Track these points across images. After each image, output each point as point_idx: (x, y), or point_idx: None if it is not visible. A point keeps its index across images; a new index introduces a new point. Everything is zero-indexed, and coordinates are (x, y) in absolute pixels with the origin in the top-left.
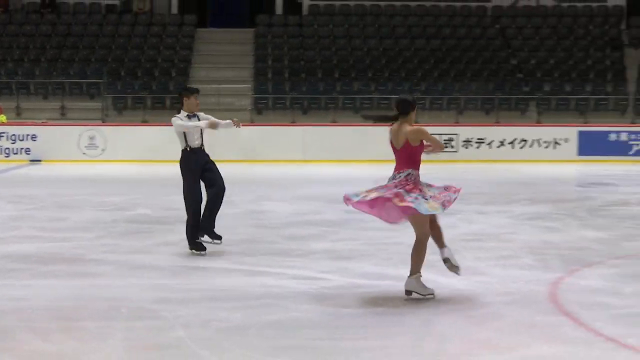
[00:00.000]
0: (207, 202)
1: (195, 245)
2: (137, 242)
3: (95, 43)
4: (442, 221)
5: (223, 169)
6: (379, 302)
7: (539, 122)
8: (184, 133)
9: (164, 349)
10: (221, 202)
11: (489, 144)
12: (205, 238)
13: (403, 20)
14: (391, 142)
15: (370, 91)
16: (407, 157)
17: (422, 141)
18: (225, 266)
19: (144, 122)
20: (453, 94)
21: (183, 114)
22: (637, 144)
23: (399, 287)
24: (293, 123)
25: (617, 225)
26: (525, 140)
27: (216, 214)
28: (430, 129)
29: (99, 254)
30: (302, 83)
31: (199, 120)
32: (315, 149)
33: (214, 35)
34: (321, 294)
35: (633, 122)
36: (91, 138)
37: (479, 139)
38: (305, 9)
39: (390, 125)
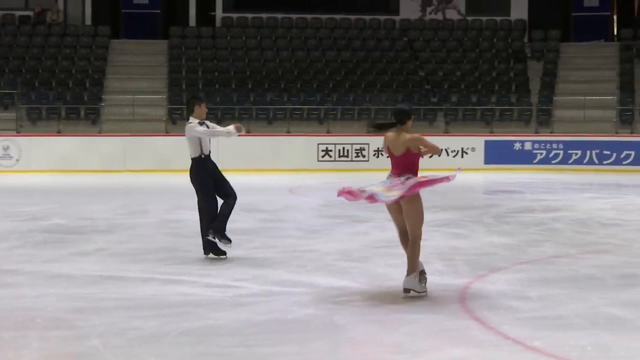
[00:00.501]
0: (221, 208)
1: (217, 250)
2: (52, 252)
3: (9, 54)
4: (355, 228)
5: (138, 178)
6: (293, 309)
7: (446, 132)
8: (200, 140)
9: (79, 358)
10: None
11: None
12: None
13: (314, 32)
14: (388, 150)
15: (283, 102)
16: (407, 163)
17: (419, 147)
18: (141, 275)
19: (59, 133)
20: (364, 104)
21: (195, 120)
22: (541, 153)
23: (314, 293)
24: None
25: (522, 231)
26: None
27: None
28: (343, 139)
29: (14, 264)
30: (216, 94)
31: (207, 127)
32: (229, 158)
33: (128, 46)
34: (236, 302)
35: (536, 132)
36: (5, 148)
37: (361, 147)
38: (218, 21)
39: (384, 134)
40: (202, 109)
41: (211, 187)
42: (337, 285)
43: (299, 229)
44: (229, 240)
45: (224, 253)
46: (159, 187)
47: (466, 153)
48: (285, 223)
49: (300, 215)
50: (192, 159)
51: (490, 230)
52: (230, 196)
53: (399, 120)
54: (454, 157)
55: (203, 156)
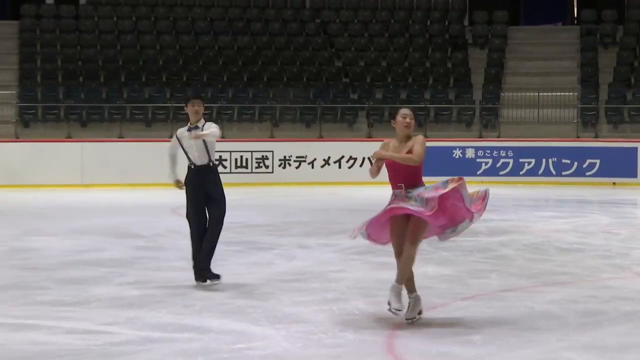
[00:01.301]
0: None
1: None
2: None
3: None
4: (255, 257)
5: None
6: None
7: (370, 137)
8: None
9: None
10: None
11: (310, 163)
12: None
13: (204, 12)
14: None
15: (164, 99)
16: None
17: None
18: None
19: None
20: (266, 102)
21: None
22: (486, 162)
23: (204, 340)
24: (69, 138)
25: (463, 259)
26: (354, 158)
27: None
28: (239, 145)
29: None
30: (79, 89)
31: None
32: (96, 170)
33: None
34: (106, 352)
35: (480, 136)
36: None
37: (298, 156)
38: None
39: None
40: (190, 110)
41: (194, 200)
42: (233, 329)
43: (184, 258)
44: (216, 277)
45: (218, 277)
46: (8, 206)
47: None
48: (167, 251)
49: (186, 242)
50: (212, 164)
51: (424, 258)
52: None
53: None
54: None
55: (193, 166)
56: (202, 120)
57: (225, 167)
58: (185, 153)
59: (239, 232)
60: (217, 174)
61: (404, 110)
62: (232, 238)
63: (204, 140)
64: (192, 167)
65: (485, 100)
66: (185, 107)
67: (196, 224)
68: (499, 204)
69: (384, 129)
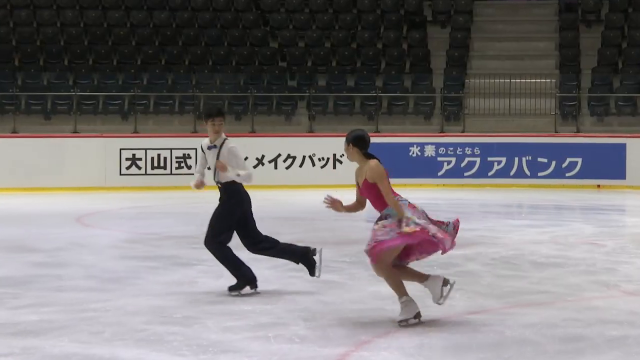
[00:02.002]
0: None
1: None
2: None
3: None
4: (176, 275)
5: None
6: None
7: (311, 131)
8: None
9: None
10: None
11: None
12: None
13: None
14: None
15: (67, 86)
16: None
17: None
18: None
19: None
20: (188, 90)
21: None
22: (448, 161)
23: None
24: None
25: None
26: (292, 157)
27: None
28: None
29: None
30: None
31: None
32: None
33: None
34: None
35: (442, 131)
36: None
37: (185, 154)
38: None
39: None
40: (210, 128)
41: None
42: None
43: (90, 276)
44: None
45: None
46: None
47: (339, 162)
48: (70, 268)
49: (93, 257)
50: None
51: (375, 276)
52: None
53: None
54: (321, 167)
55: (219, 185)
56: (222, 136)
57: (139, 168)
58: (210, 169)
59: (155, 244)
60: (242, 193)
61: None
62: (147, 252)
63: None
64: (218, 185)
65: (448, 88)
66: (204, 123)
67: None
68: (464, 211)
69: (327, 122)
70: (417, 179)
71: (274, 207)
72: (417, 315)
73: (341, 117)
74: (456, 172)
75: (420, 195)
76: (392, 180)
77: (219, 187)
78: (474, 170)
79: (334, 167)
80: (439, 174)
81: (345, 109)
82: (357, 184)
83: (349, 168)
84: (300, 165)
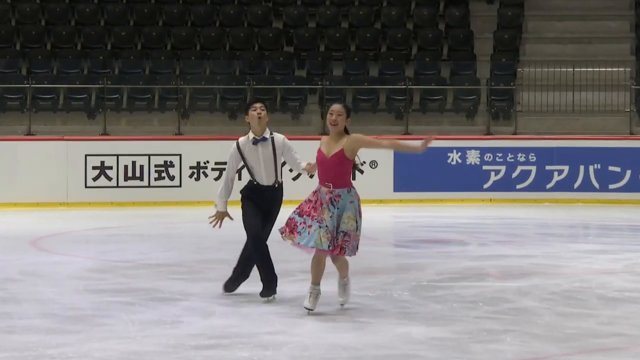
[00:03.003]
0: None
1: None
2: None
3: None
4: (156, 312)
5: None
6: None
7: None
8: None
9: None
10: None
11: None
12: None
13: None
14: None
15: (19, 77)
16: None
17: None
18: None
19: None
20: (170, 81)
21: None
22: (496, 170)
23: None
24: None
25: (465, 314)
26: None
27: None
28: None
29: None
30: None
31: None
32: None
33: None
34: None
35: (488, 133)
36: None
37: (219, 163)
38: None
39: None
40: (252, 116)
41: (251, 208)
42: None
43: (48, 314)
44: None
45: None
46: None
47: (360, 172)
48: (23, 304)
49: (51, 290)
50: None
51: (407, 313)
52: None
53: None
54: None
55: (254, 182)
56: (267, 130)
57: (109, 179)
58: (249, 170)
59: (130, 275)
60: (282, 193)
61: (333, 107)
62: (120, 284)
63: (275, 157)
64: (254, 183)
65: (496, 79)
66: (246, 117)
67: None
68: (517, 233)
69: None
70: (458, 192)
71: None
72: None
73: (362, 115)
74: (506, 185)
75: (462, 213)
76: (425, 194)
77: (275, 186)
78: (528, 182)
79: (354, 178)
80: (485, 186)
81: (367, 104)
82: (324, 154)
83: (372, 178)
84: (312, 176)
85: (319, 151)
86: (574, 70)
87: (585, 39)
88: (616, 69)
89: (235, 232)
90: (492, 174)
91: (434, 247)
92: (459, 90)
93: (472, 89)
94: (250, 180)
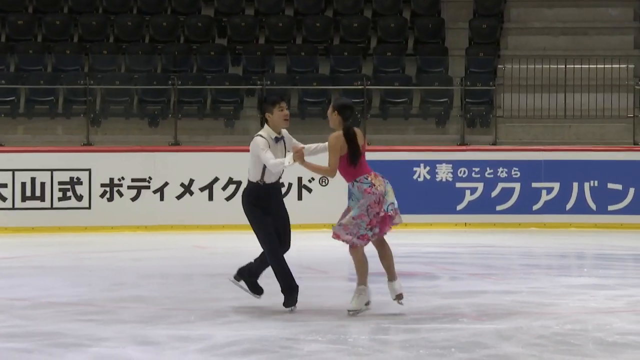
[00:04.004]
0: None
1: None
2: None
3: None
4: None
5: None
6: None
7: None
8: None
9: None
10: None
11: (158, 190)
12: (242, 284)
13: None
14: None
15: None
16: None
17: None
18: None
19: None
20: (78, 80)
21: (265, 134)
22: (473, 189)
23: None
24: None
25: None
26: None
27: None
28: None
29: None
30: None
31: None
32: None
33: None
34: None
35: (463, 143)
36: None
37: (136, 179)
38: None
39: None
40: (278, 116)
41: (263, 217)
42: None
43: None
44: (257, 292)
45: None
46: None
47: (308, 190)
48: None
49: None
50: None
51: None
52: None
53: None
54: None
55: (262, 184)
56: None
57: (3, 200)
58: (263, 169)
59: (29, 316)
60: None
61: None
62: (16, 327)
63: (285, 155)
64: (261, 183)
65: (472, 77)
66: (267, 114)
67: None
68: (497, 264)
69: (290, 128)
70: (425, 215)
71: (205, 258)
72: (367, 303)
73: (310, 121)
74: (484, 205)
75: (430, 240)
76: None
77: (280, 181)
78: (511, 203)
79: (299, 198)
80: (459, 207)
81: (315, 109)
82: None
83: (321, 197)
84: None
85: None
86: (566, 67)
87: (581, 29)
88: (617, 66)
89: (157, 264)
90: (467, 192)
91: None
92: (428, 92)
93: (443, 90)
94: (256, 182)
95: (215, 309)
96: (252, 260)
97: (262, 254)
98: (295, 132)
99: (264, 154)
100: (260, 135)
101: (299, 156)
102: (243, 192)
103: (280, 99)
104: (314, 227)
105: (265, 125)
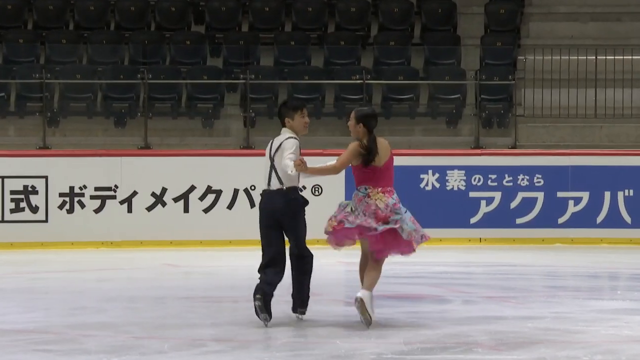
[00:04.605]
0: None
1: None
2: None
3: None
4: None
5: None
6: None
7: (249, 147)
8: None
9: None
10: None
11: (125, 200)
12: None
13: None
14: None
15: None
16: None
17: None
18: None
19: None
20: (32, 74)
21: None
22: (489, 199)
23: None
24: None
25: None
26: (216, 192)
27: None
28: None
29: None
30: None
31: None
32: None
33: None
34: None
35: (478, 146)
36: None
37: (100, 188)
38: None
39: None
40: (299, 122)
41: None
42: None
43: None
44: (266, 316)
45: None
46: None
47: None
48: None
49: None
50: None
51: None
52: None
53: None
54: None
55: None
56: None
57: None
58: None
59: None
60: None
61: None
62: None
63: None
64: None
65: (487, 70)
66: (287, 119)
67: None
68: (516, 286)
69: (276, 129)
70: (435, 229)
71: (185, 281)
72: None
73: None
74: (502, 218)
75: (440, 258)
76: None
77: (302, 188)
78: (533, 215)
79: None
80: (473, 220)
81: (308, 107)
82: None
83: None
84: (230, 206)
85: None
86: (596, 58)
87: (613, 14)
88: (635, 56)
89: (123, 286)
90: (483, 203)
91: (401, 305)
92: (437, 87)
93: (454, 85)
94: (298, 187)
95: (191, 337)
96: (292, 290)
97: (280, 271)
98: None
99: (292, 157)
100: (294, 138)
101: (299, 165)
102: (291, 199)
103: (303, 105)
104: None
105: (286, 129)
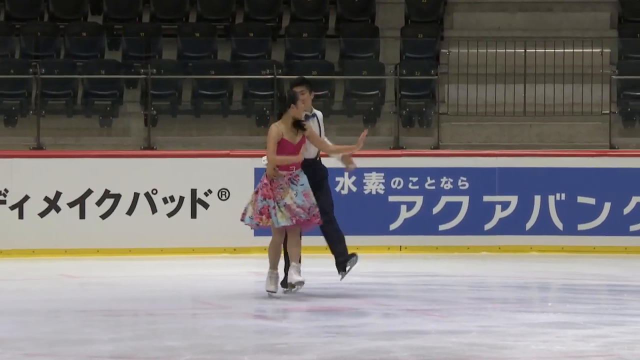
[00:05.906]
0: None
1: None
2: None
3: None
4: None
5: None
6: None
7: (151, 147)
8: None
9: None
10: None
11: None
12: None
13: None
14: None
15: None
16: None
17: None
18: None
19: None
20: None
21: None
22: (410, 204)
23: None
24: None
25: None
26: (115, 196)
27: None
28: None
29: None
30: None
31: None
32: None
33: None
34: None
35: (397, 147)
36: None
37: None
38: None
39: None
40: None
41: None
42: None
43: None
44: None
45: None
46: None
47: (204, 205)
48: None
49: None
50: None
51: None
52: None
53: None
54: (169, 215)
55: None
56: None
57: None
58: None
59: None
60: None
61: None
62: None
63: None
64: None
65: (408, 65)
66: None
67: None
68: (439, 298)
69: (179, 129)
70: (351, 236)
71: (82, 292)
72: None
73: (207, 119)
74: (425, 225)
75: (358, 268)
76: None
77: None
78: (457, 221)
79: (194, 216)
80: (393, 227)
81: (214, 104)
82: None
83: (222, 215)
84: (130, 212)
85: (284, 140)
86: (525, 51)
87: (543, 4)
88: (589, 50)
89: (14, 298)
90: (403, 208)
91: (314, 319)
92: (354, 82)
93: (372, 80)
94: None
95: (88, 353)
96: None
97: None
98: (188, 132)
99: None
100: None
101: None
102: (322, 168)
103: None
104: (212, 252)
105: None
